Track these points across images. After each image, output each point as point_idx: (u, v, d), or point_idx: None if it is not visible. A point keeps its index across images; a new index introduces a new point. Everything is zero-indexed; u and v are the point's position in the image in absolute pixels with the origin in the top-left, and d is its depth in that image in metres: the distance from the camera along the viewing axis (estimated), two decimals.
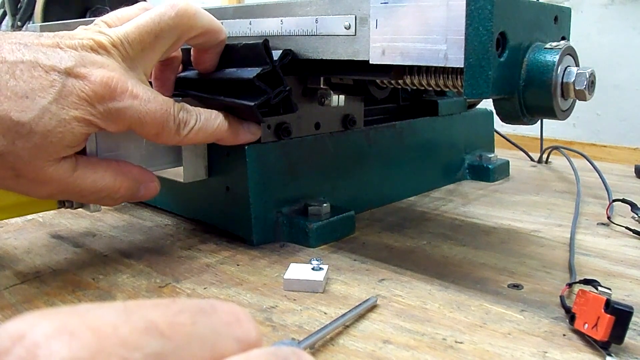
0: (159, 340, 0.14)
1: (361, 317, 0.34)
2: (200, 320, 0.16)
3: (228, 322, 0.17)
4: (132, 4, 0.41)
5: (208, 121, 0.41)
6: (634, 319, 0.30)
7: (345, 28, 0.39)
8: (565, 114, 0.37)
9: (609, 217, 0.52)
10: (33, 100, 0.33)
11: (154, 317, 0.15)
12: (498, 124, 0.57)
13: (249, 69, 0.42)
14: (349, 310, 0.34)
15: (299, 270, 0.39)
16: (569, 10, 0.41)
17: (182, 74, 0.46)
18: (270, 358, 0.16)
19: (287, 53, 0.42)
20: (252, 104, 0.41)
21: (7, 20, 1.26)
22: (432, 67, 0.40)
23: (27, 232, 0.50)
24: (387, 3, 0.37)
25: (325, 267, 0.39)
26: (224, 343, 0.16)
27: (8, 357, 0.13)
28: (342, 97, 0.49)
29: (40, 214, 0.55)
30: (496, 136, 0.74)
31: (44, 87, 0.33)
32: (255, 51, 0.42)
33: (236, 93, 0.42)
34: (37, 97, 0.33)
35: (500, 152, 0.73)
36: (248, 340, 0.17)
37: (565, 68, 0.35)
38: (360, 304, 0.34)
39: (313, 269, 0.38)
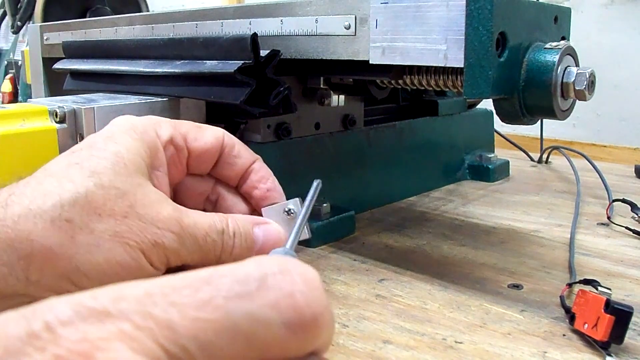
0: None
1: (361, 317, 0.34)
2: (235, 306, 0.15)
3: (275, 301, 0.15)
4: (132, 4, 0.41)
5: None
6: (634, 319, 0.30)
7: (345, 28, 0.39)
8: (565, 114, 0.37)
9: (609, 217, 0.52)
10: None
11: (174, 317, 0.14)
12: (498, 124, 0.57)
13: (231, 62, 0.41)
14: (307, 203, 0.32)
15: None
16: (569, 10, 0.41)
17: (172, 69, 0.46)
18: (235, 287, 0.15)
19: (275, 53, 0.42)
20: (237, 101, 0.40)
21: (7, 21, 1.27)
22: (432, 67, 0.40)
23: None
24: (387, 3, 0.37)
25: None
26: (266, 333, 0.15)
27: None
28: (342, 97, 0.49)
29: None
30: (496, 136, 0.74)
31: None
32: (240, 44, 0.41)
33: (220, 87, 0.42)
34: None
35: (500, 152, 0.73)
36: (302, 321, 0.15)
37: (565, 68, 0.35)
38: (311, 193, 0.32)
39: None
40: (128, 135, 0.30)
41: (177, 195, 0.34)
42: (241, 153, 0.34)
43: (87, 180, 0.27)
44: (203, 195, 0.34)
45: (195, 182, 0.34)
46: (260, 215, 0.34)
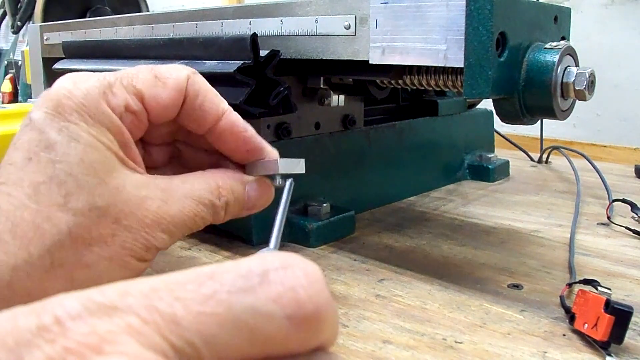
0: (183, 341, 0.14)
1: (361, 317, 0.34)
2: (238, 301, 0.15)
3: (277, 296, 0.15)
4: (132, 4, 0.41)
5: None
6: (634, 319, 0.30)
7: (345, 28, 0.39)
8: (565, 114, 0.37)
9: (609, 217, 0.52)
10: None
11: (177, 310, 0.14)
12: (498, 124, 0.57)
13: (231, 62, 0.41)
14: (283, 204, 0.30)
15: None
16: (568, 10, 0.41)
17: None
18: (237, 282, 0.15)
19: (275, 53, 0.42)
20: (237, 102, 0.40)
21: (7, 21, 1.27)
22: (432, 67, 0.40)
23: None
24: (387, 3, 0.37)
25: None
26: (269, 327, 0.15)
27: None
28: (342, 97, 0.49)
29: None
30: (496, 136, 0.74)
31: None
32: (240, 44, 0.41)
33: (219, 87, 0.42)
34: None
35: (500, 152, 0.73)
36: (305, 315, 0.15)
37: (565, 68, 0.35)
38: (286, 194, 0.31)
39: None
40: (84, 123, 0.26)
41: (143, 143, 0.31)
42: (205, 105, 0.30)
43: (64, 211, 0.25)
44: (170, 137, 0.32)
45: (160, 128, 0.31)
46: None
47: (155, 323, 0.14)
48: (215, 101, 0.30)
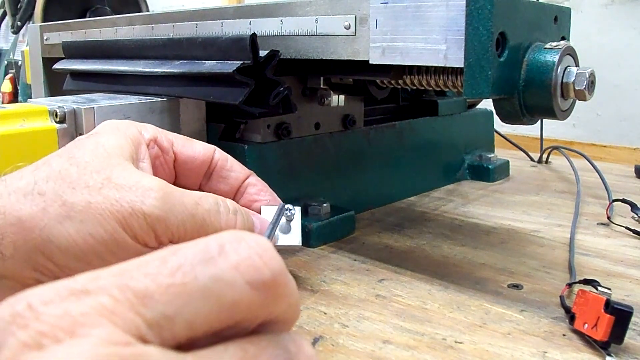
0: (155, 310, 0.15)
1: (361, 317, 0.34)
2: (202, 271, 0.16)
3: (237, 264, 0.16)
4: (132, 5, 0.41)
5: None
6: (634, 319, 0.30)
7: (345, 28, 0.39)
8: (565, 114, 0.37)
9: (609, 217, 0.52)
10: None
11: (146, 284, 0.15)
12: (498, 124, 0.57)
13: (230, 62, 0.41)
14: (275, 217, 0.34)
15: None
16: (569, 10, 0.41)
17: (171, 69, 0.46)
18: (198, 255, 0.16)
19: (274, 53, 0.42)
20: (236, 102, 0.40)
21: (7, 21, 1.27)
22: (432, 67, 0.40)
23: None
24: (387, 3, 0.37)
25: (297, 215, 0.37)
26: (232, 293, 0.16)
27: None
28: (342, 97, 0.49)
29: None
30: (496, 136, 0.74)
31: None
32: (239, 44, 0.41)
33: (219, 87, 0.42)
34: None
35: (500, 152, 0.73)
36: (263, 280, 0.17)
37: (565, 68, 0.35)
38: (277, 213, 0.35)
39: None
40: (111, 132, 0.30)
41: None
42: (234, 167, 0.35)
43: (64, 161, 0.27)
44: None
45: None
46: None
47: (128, 300, 0.15)
48: (241, 166, 0.36)
